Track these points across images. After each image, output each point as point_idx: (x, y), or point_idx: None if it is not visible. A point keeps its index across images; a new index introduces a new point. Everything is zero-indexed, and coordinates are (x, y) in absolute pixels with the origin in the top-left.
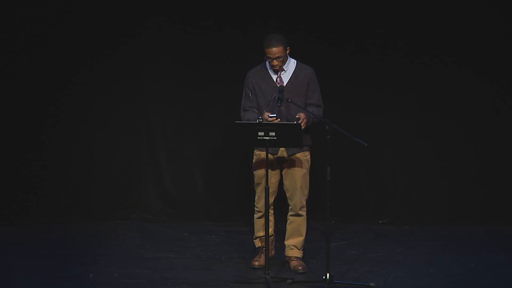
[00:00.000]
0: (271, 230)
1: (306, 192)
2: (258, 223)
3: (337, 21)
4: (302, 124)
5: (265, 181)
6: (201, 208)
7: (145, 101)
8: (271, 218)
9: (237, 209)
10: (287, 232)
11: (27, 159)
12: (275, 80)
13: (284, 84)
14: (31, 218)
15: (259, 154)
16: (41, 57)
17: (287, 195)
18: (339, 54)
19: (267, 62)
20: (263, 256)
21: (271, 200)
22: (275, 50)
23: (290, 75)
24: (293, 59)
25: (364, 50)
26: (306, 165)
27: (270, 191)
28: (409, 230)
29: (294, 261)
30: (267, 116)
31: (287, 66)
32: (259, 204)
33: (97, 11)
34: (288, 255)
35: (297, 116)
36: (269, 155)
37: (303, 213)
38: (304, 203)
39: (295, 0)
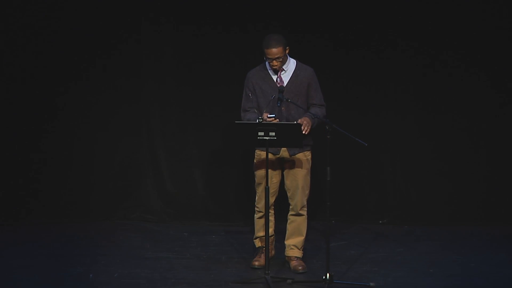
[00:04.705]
0: (271, 230)
1: (307, 191)
2: (259, 223)
3: (337, 21)
4: (306, 130)
5: (265, 181)
6: (201, 208)
7: (145, 101)
8: (272, 218)
9: (237, 209)
10: (287, 231)
11: (27, 158)
12: (275, 80)
13: (284, 84)
14: (31, 218)
15: (260, 154)
16: (41, 57)
17: (288, 194)
18: (339, 54)
19: (267, 63)
20: (263, 256)
21: (272, 200)
22: (275, 51)
23: (290, 75)
24: (293, 59)
25: (365, 50)
26: (307, 165)
27: (271, 191)
28: (409, 230)
29: (294, 261)
30: (266, 117)
31: (287, 66)
32: (260, 204)
33: (96, 11)
34: (288, 255)
35: (299, 121)
36: (270, 155)
37: (304, 212)
38: (305, 202)
39: (295, 0)
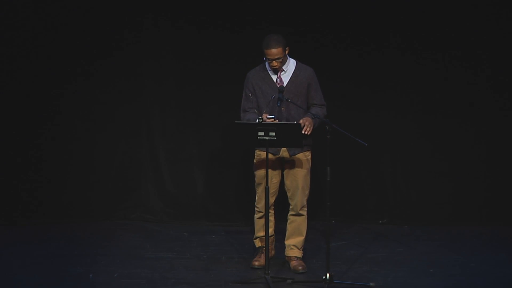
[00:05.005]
0: (271, 230)
1: (307, 191)
2: (259, 223)
3: (337, 21)
4: (307, 131)
5: (265, 181)
6: (201, 208)
7: (145, 101)
8: (272, 218)
9: (237, 209)
10: (287, 231)
11: (27, 159)
12: (275, 81)
13: (284, 85)
14: (31, 218)
15: (260, 154)
16: (41, 57)
17: (288, 194)
18: (339, 54)
19: (266, 63)
20: (263, 256)
21: (272, 200)
22: (274, 51)
23: (290, 75)
24: (293, 59)
25: (365, 50)
26: (307, 165)
27: (271, 191)
28: (409, 230)
29: (294, 261)
30: (265, 117)
31: (287, 66)
32: (260, 204)
33: (96, 11)
34: (288, 255)
35: (300, 122)
36: (270, 155)
37: (304, 212)
38: (305, 202)
39: (295, 0)
